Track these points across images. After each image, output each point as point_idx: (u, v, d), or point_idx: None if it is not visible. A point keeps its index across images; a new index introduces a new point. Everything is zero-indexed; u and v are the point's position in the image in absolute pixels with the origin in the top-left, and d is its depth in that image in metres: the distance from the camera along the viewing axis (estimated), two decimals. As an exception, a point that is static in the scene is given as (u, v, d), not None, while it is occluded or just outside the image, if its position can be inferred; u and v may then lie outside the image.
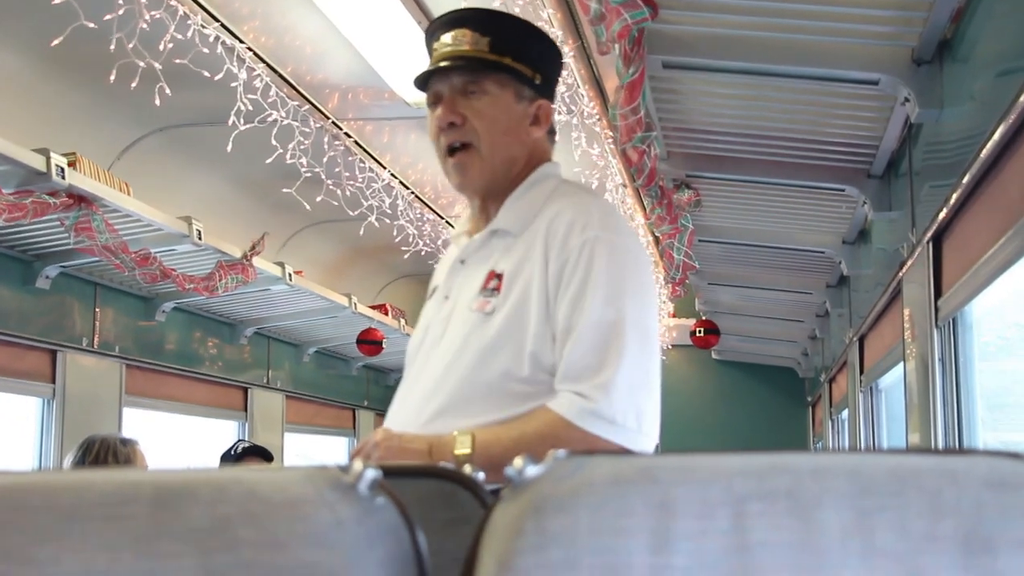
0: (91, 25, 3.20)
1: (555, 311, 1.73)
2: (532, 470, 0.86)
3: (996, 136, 2.61)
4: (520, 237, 1.84)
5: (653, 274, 1.87)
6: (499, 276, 1.81)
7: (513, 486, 0.86)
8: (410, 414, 1.80)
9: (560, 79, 2.11)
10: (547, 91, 1.95)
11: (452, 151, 1.88)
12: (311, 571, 0.84)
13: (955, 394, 3.40)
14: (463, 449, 1.67)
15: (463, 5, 3.51)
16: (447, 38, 1.89)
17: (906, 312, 4.01)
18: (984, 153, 2.72)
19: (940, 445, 3.43)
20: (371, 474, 0.92)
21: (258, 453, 4.62)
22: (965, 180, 2.94)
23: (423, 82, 1.93)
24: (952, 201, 3.13)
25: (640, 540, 0.78)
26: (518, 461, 0.87)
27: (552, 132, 1.97)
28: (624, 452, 1.63)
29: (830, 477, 0.79)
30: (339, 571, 0.85)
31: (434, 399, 1.78)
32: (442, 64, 1.88)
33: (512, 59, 1.86)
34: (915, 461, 0.80)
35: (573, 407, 1.67)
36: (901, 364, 4.18)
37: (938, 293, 3.47)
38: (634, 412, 1.69)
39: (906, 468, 0.79)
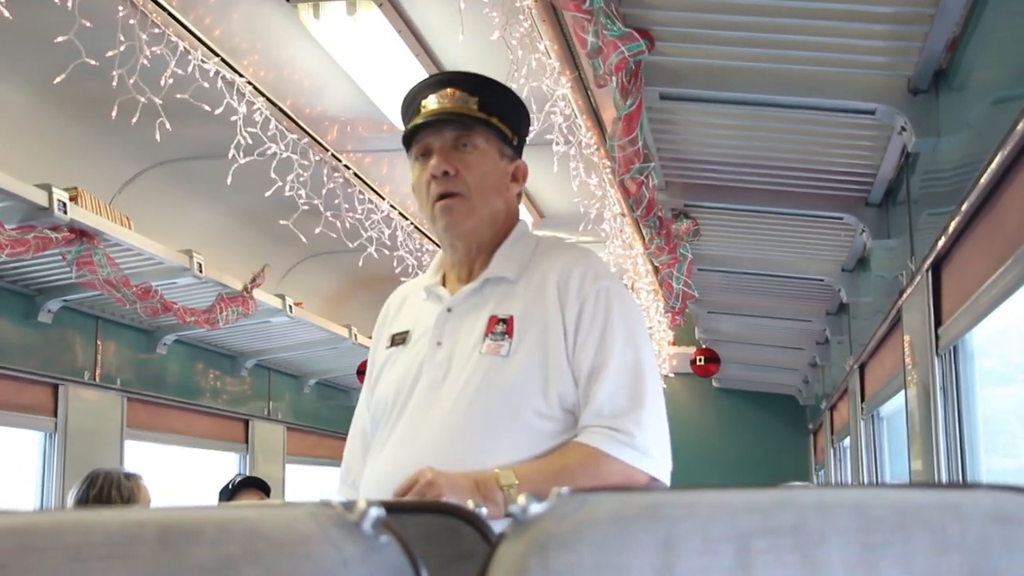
0: (92, 62, 3.22)
1: (578, 354, 1.88)
2: (536, 507, 0.86)
3: (994, 164, 2.62)
4: (517, 284, 1.96)
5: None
6: (505, 321, 1.92)
7: (517, 523, 0.86)
8: (427, 456, 1.83)
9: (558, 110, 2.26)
10: (521, 152, 2.08)
11: (442, 197, 1.96)
12: (316, 610, 0.84)
13: (957, 422, 3.40)
14: (509, 480, 1.76)
15: (459, 38, 3.55)
16: (434, 98, 1.98)
17: (906, 340, 4.01)
18: (982, 181, 2.73)
19: (943, 473, 3.42)
20: (375, 512, 0.92)
21: (255, 485, 4.61)
22: (964, 208, 2.95)
23: (410, 136, 2.01)
24: (951, 229, 3.14)
25: (645, 577, 0.78)
26: (521, 498, 0.87)
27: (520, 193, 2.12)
28: (653, 482, 1.83)
29: (834, 513, 0.79)
30: (344, 610, 0.85)
31: (458, 439, 1.86)
32: (433, 119, 1.96)
33: (499, 119, 1.98)
34: (919, 496, 0.80)
35: (609, 440, 1.82)
36: (902, 392, 4.17)
37: (938, 321, 3.47)
38: (660, 444, 1.87)
39: (910, 503, 0.79)
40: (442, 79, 2.02)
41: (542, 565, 0.80)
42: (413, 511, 1.19)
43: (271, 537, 0.87)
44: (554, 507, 0.84)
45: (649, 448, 1.84)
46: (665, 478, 1.87)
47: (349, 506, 0.92)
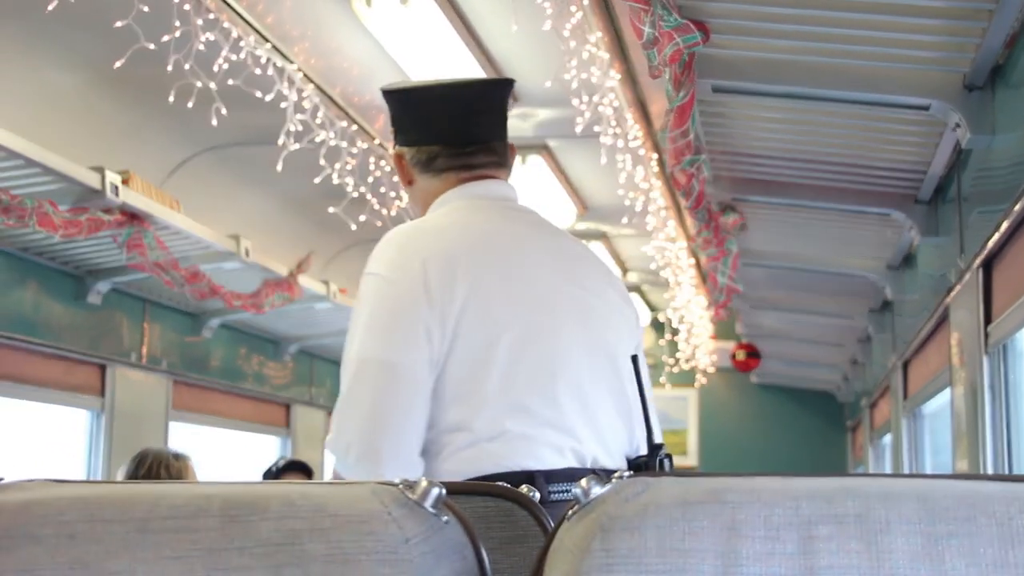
0: (150, 46, 3.26)
1: None
2: (598, 490, 0.87)
3: (1050, 162, 2.59)
4: None
5: (402, 292, 1.84)
6: None
7: (579, 505, 0.87)
8: None
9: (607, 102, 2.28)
10: (407, 140, 2.09)
11: None
12: (380, 586, 0.85)
13: (1005, 422, 3.36)
14: None
15: (512, 28, 3.56)
16: None
17: (954, 338, 3.97)
18: (1037, 179, 2.70)
19: (989, 473, 3.39)
20: (436, 491, 0.93)
21: (299, 468, 4.64)
22: (1017, 207, 2.92)
23: None
24: (1003, 227, 3.11)
25: (707, 561, 0.79)
26: (584, 481, 0.87)
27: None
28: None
29: (899, 502, 0.79)
30: (407, 586, 0.86)
31: None
32: None
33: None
34: (985, 487, 0.80)
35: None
36: (948, 390, 4.13)
37: (988, 319, 3.44)
38: (345, 435, 1.80)
39: (976, 494, 0.79)
40: None
41: (605, 547, 0.81)
42: (470, 493, 1.20)
43: (336, 514, 0.89)
44: (617, 490, 0.85)
45: (336, 442, 1.80)
46: (345, 471, 1.81)
47: (411, 486, 0.93)
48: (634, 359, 1.83)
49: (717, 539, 0.79)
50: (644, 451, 1.84)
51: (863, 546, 0.77)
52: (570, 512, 0.87)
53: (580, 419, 1.83)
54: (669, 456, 1.82)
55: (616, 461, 1.87)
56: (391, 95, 2.08)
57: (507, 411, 1.78)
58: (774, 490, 0.81)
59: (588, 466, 1.81)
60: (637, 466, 1.83)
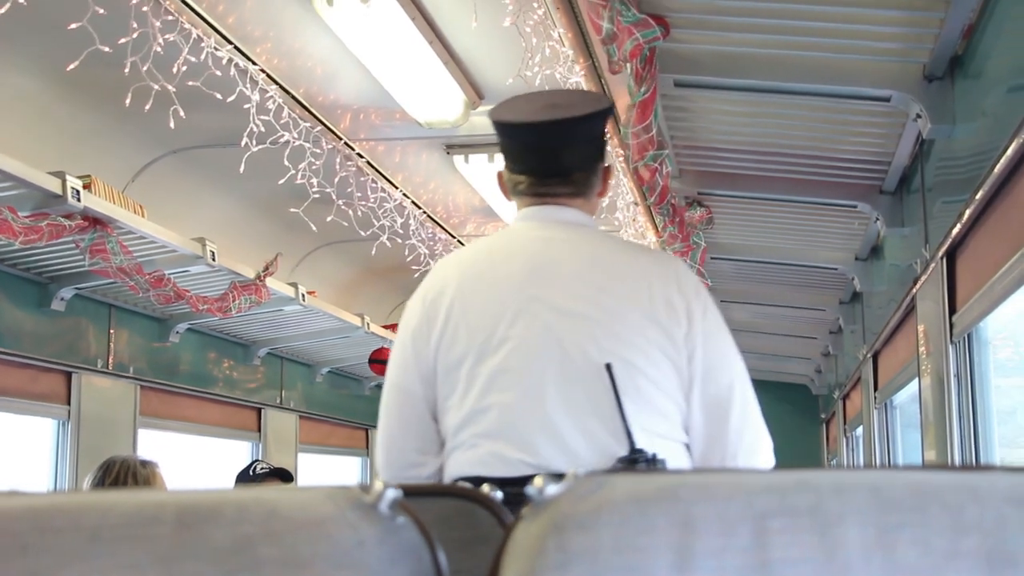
0: (106, 49, 3.23)
1: None
2: (552, 489, 0.86)
3: (1009, 151, 2.61)
4: None
5: (407, 321, 2.09)
6: None
7: (534, 504, 0.86)
8: None
9: None
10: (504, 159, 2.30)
11: None
12: (334, 590, 0.84)
13: (971, 410, 3.39)
14: None
15: (472, 25, 3.55)
16: None
17: (920, 328, 4.00)
18: (997, 168, 2.72)
19: (957, 461, 3.42)
20: (391, 494, 0.92)
21: (278, 476, 4.57)
22: (979, 196, 2.94)
23: None
24: (966, 217, 3.13)
25: (662, 558, 0.78)
26: (538, 480, 0.87)
27: None
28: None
29: (852, 494, 0.78)
30: (361, 590, 0.85)
31: None
32: None
33: None
34: (936, 477, 0.80)
35: None
36: (916, 380, 4.16)
37: (952, 309, 3.47)
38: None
39: (928, 485, 0.79)
40: None
41: (560, 546, 0.80)
42: (429, 494, 1.19)
43: (289, 518, 0.88)
44: (571, 489, 0.85)
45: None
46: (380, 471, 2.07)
47: (366, 488, 0.92)
48: (608, 367, 1.86)
49: (671, 535, 0.78)
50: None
51: (816, 538, 0.77)
52: (525, 511, 0.87)
53: (538, 431, 1.87)
54: (660, 460, 1.84)
55: (586, 467, 1.87)
56: (494, 124, 2.19)
57: (461, 424, 1.93)
58: (728, 485, 0.81)
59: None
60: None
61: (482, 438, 1.89)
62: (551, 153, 2.10)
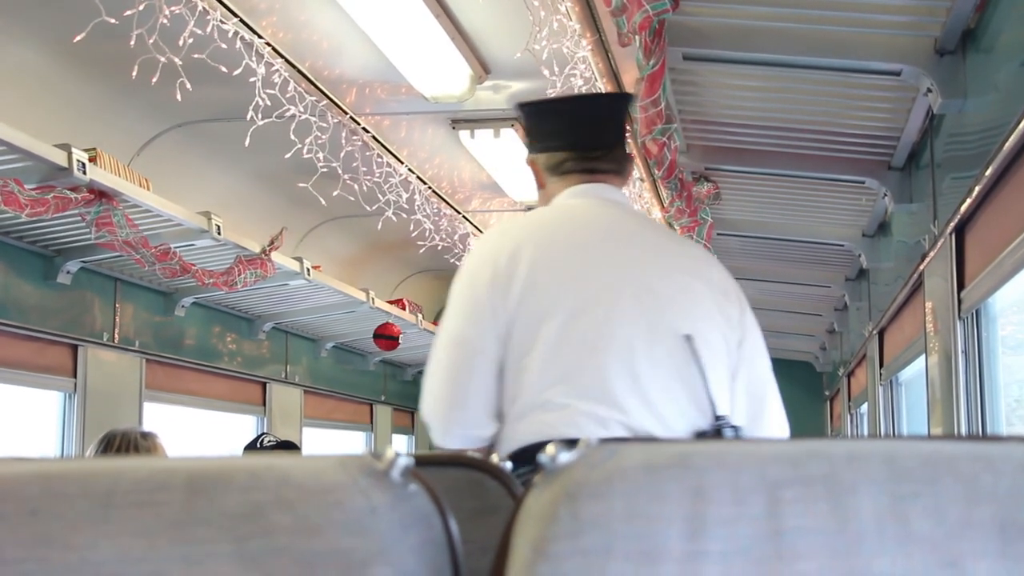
0: (112, 21, 3.22)
1: None
2: (564, 457, 0.86)
3: (1021, 127, 2.59)
4: None
5: (476, 277, 2.06)
6: None
7: (546, 473, 0.86)
8: None
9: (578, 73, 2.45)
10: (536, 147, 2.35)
11: None
12: (345, 557, 0.84)
13: (979, 387, 3.38)
14: None
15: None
16: None
17: (928, 305, 3.99)
18: (1008, 144, 2.70)
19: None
20: (403, 461, 0.92)
21: (285, 448, 4.58)
22: (988, 172, 2.92)
23: None
24: (975, 192, 3.11)
25: (675, 526, 0.78)
26: (550, 448, 0.87)
27: None
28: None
29: (865, 463, 0.78)
30: (373, 557, 0.85)
31: None
32: None
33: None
34: (950, 447, 0.80)
35: None
36: (923, 357, 4.15)
37: (961, 285, 3.45)
38: (429, 411, 2.05)
39: (941, 454, 0.78)
40: None
41: (572, 514, 0.80)
42: (440, 464, 1.20)
43: (301, 485, 0.88)
44: (583, 456, 0.84)
45: (423, 410, 2.06)
46: (432, 436, 2.05)
47: (378, 455, 0.92)
48: (688, 338, 1.95)
49: (684, 504, 0.78)
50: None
51: (829, 507, 0.77)
52: (537, 479, 0.87)
53: (629, 392, 1.91)
54: (735, 428, 1.94)
55: (675, 434, 1.95)
56: (526, 107, 2.30)
57: (551, 383, 1.92)
58: (740, 454, 0.80)
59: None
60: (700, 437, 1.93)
61: (576, 398, 1.91)
62: (599, 124, 2.22)
